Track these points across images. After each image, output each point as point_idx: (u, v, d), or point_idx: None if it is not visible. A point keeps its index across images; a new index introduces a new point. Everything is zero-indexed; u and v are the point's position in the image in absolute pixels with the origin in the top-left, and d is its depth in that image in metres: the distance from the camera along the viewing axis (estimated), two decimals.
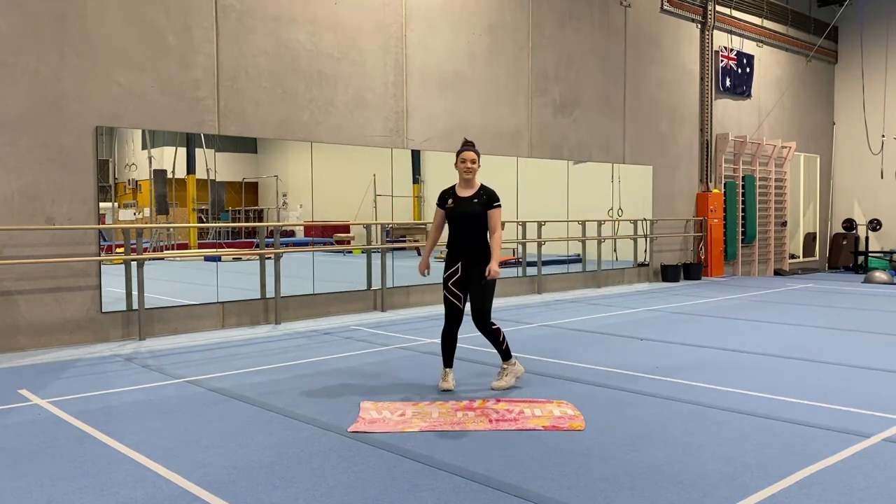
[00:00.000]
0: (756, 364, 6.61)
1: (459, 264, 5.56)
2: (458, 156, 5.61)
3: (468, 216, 5.55)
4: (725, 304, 11.17)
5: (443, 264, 5.74)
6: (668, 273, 14.78)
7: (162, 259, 9.90)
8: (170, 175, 9.53)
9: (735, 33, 16.66)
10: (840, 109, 19.97)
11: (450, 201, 5.61)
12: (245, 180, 10.81)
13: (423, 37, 10.86)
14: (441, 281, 5.72)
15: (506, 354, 5.73)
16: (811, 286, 14.19)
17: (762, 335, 8.21)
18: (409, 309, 10.51)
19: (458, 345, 6.00)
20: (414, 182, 11.53)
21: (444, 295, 5.66)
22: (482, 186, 5.64)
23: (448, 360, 5.72)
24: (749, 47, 17.08)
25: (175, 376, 6.19)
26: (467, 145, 5.65)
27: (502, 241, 5.77)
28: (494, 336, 5.67)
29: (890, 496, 3.50)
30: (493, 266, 5.50)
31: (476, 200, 5.56)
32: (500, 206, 5.60)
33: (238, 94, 8.94)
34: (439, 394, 5.54)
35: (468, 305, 5.63)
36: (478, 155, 5.63)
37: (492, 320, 5.65)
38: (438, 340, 7.79)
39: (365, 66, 10.17)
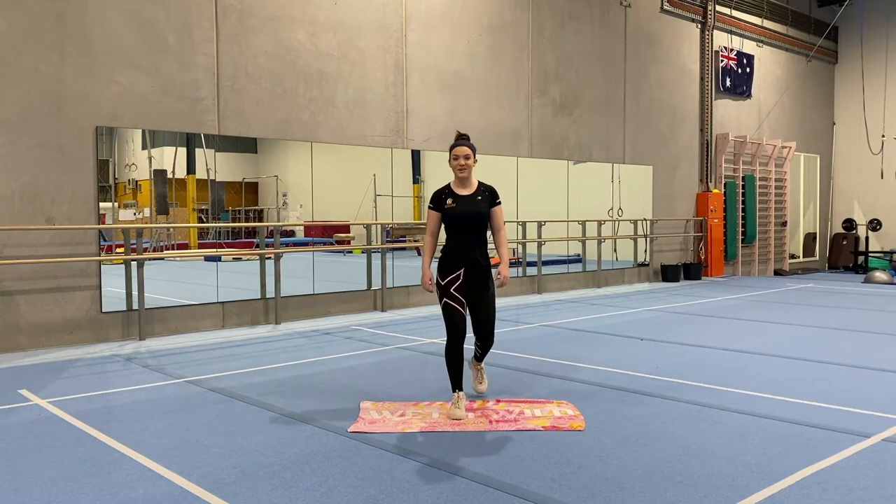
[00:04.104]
0: (756, 364, 6.61)
1: (462, 270, 4.98)
2: (450, 151, 5.05)
3: (473, 216, 4.99)
4: (725, 304, 11.17)
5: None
6: (669, 273, 14.78)
7: (162, 259, 9.90)
8: (170, 175, 9.52)
9: (735, 33, 16.66)
10: (840, 109, 19.97)
11: (449, 201, 5.02)
12: (245, 180, 10.81)
13: (423, 37, 10.86)
14: (437, 287, 5.12)
15: (482, 358, 5.44)
16: (811, 286, 14.19)
17: (762, 335, 8.21)
18: (409, 309, 10.51)
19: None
20: (414, 182, 11.53)
21: (447, 304, 4.99)
22: (481, 183, 5.12)
23: (458, 381, 4.99)
24: (749, 47, 17.08)
25: (175, 376, 6.18)
26: (460, 139, 5.07)
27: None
28: (492, 342, 5.25)
29: (890, 496, 3.50)
30: (505, 271, 5.03)
31: (479, 198, 5.03)
32: (501, 202, 5.14)
33: (238, 94, 8.94)
34: (445, 398, 5.53)
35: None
36: (473, 150, 5.04)
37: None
38: (438, 340, 7.85)
39: (365, 66, 10.17)
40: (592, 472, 3.84)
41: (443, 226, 5.17)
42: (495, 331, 5.29)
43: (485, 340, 5.20)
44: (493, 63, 11.82)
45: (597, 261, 13.52)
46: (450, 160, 5.07)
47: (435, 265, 5.14)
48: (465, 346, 5.03)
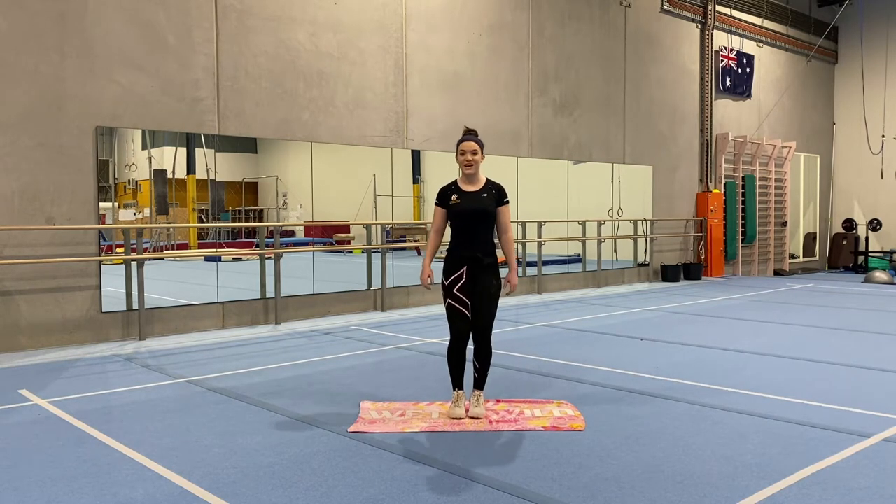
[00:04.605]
0: (756, 364, 6.61)
1: (465, 269, 4.85)
2: (458, 147, 4.91)
3: (477, 212, 4.84)
4: (725, 304, 11.17)
5: (440, 265, 5.07)
6: (668, 273, 14.78)
7: (162, 259, 9.89)
8: (170, 175, 9.52)
9: (735, 33, 16.66)
10: (840, 109, 19.97)
11: (454, 197, 4.87)
12: (245, 180, 10.81)
13: (423, 37, 10.86)
14: (441, 287, 4.99)
15: (482, 384, 5.01)
16: (811, 286, 14.19)
17: (762, 335, 8.21)
18: (409, 309, 10.51)
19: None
20: (414, 182, 11.52)
21: (449, 304, 4.87)
22: (489, 180, 4.96)
23: (458, 381, 4.98)
24: (749, 47, 17.08)
25: (175, 376, 6.18)
26: (468, 134, 4.92)
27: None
28: (490, 355, 4.97)
29: (890, 496, 3.50)
30: (514, 279, 4.97)
31: (486, 195, 4.87)
32: (509, 201, 4.98)
33: (238, 94, 8.94)
34: (445, 398, 5.53)
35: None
36: (481, 145, 4.90)
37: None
38: (439, 340, 7.85)
39: (365, 66, 10.17)
40: (592, 472, 3.84)
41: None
42: (494, 331, 5.11)
43: (481, 338, 4.92)
44: (493, 63, 11.82)
45: (597, 261, 13.52)
46: (456, 155, 4.93)
47: (440, 265, 5.06)
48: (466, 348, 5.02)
